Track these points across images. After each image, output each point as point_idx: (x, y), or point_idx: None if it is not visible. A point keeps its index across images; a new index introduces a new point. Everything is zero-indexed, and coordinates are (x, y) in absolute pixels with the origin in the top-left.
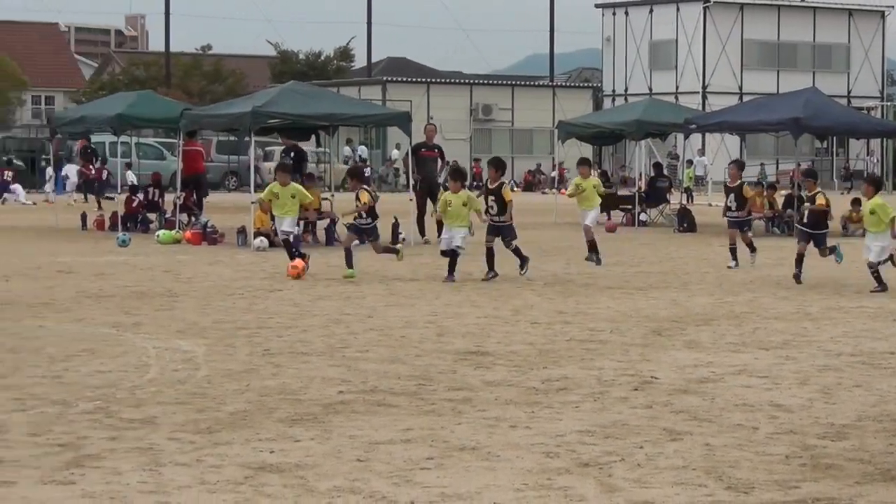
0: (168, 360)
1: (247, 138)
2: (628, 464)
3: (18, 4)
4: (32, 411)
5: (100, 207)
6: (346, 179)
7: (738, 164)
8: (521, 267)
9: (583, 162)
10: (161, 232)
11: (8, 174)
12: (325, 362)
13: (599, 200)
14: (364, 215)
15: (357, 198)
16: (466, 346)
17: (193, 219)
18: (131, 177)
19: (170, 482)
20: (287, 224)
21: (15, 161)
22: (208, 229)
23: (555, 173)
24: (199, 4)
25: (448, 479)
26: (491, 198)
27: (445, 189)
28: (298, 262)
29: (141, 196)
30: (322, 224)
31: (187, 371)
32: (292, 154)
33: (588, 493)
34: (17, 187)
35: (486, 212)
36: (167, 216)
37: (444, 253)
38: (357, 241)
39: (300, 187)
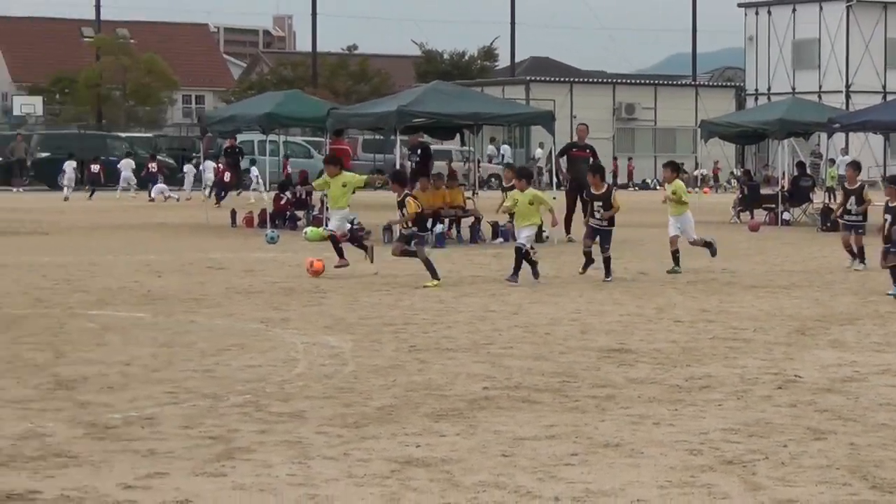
0: (316, 356)
1: (392, 137)
2: (772, 462)
3: (170, 6)
4: (185, 404)
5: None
6: (511, 178)
7: (855, 166)
8: (606, 275)
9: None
10: (308, 229)
11: (153, 165)
12: (469, 358)
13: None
14: (410, 224)
15: (403, 206)
16: (610, 343)
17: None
18: (254, 172)
19: (318, 475)
20: (333, 222)
21: (164, 158)
22: (354, 226)
23: (697, 172)
24: (345, 5)
25: (592, 476)
26: (598, 203)
27: None
28: (319, 263)
29: (289, 194)
30: (467, 222)
31: (335, 366)
32: (419, 151)
33: (732, 490)
34: (128, 175)
35: (592, 214)
36: (315, 213)
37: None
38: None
39: (351, 175)
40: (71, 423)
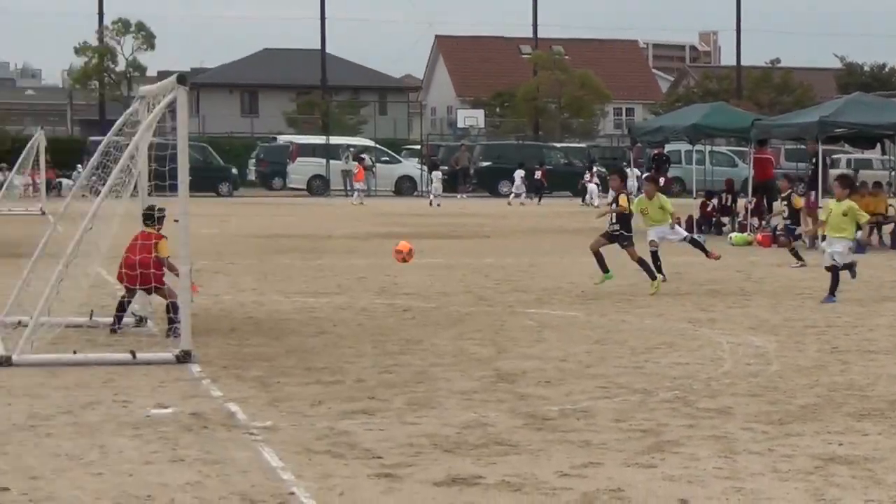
0: (741, 355)
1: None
2: None
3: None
4: (617, 399)
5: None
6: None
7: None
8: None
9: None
10: (734, 234)
11: (587, 175)
12: (891, 360)
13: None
14: (614, 219)
15: (615, 201)
16: None
17: (764, 223)
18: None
19: (743, 469)
20: (652, 233)
21: (597, 168)
22: (778, 232)
23: None
24: (768, 20)
25: None
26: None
27: None
28: (403, 245)
29: (715, 201)
30: (888, 228)
31: (759, 365)
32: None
33: None
34: (592, 188)
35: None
36: (739, 220)
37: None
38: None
39: (666, 200)
40: (511, 413)
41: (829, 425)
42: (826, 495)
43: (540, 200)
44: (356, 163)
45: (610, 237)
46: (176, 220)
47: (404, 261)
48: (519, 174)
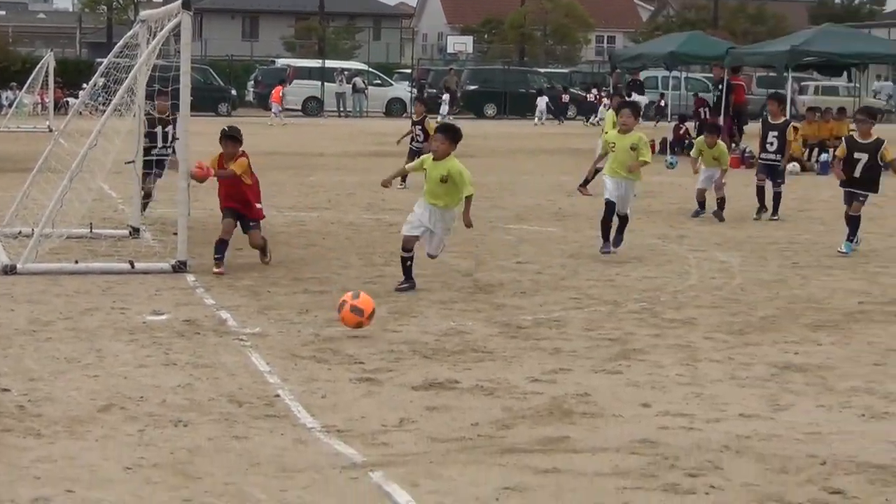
0: (706, 269)
1: (784, 74)
2: None
3: None
4: (587, 309)
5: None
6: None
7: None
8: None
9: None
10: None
11: (565, 97)
12: (847, 275)
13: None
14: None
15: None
16: None
17: (734, 145)
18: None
19: (704, 376)
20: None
21: (574, 90)
22: (746, 155)
23: None
24: None
25: None
26: (773, 133)
27: None
28: (365, 302)
29: (689, 124)
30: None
31: (723, 279)
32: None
33: None
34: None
35: (764, 148)
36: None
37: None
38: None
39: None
40: (488, 322)
41: (786, 335)
42: (780, 401)
43: (562, 121)
44: (282, 84)
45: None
46: (129, 162)
47: (359, 325)
48: (543, 100)
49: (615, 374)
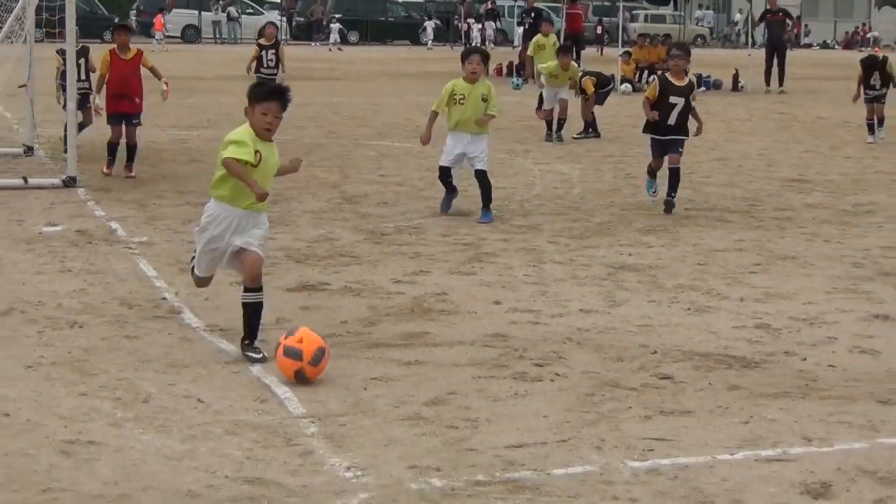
0: (550, 180)
1: (617, 3)
2: None
3: None
4: (443, 217)
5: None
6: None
7: None
8: None
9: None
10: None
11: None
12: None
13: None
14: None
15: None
16: (791, 174)
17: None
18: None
19: (548, 276)
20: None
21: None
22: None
23: (870, 35)
24: None
25: (771, 281)
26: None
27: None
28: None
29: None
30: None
31: (565, 189)
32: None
33: (887, 296)
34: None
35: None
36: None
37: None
38: None
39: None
40: (354, 230)
41: (620, 239)
42: (616, 297)
43: (453, 47)
44: (162, 12)
45: None
46: (21, 86)
47: (300, 373)
48: (430, 24)
49: (469, 275)
